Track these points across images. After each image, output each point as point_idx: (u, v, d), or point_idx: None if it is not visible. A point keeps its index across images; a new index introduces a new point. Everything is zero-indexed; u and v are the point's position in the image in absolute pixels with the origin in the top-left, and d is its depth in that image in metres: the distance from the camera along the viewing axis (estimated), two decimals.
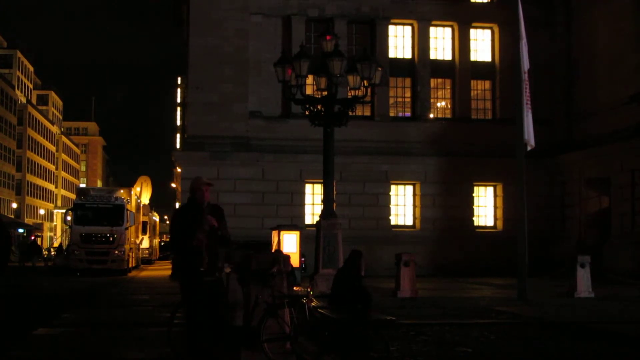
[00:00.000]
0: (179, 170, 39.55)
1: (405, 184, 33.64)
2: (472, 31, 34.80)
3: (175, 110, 66.40)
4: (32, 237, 63.30)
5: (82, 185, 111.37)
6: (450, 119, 34.64)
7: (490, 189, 34.45)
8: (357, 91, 18.93)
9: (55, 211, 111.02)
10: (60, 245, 48.15)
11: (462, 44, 34.42)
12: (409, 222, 33.68)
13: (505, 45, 33.16)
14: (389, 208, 33.21)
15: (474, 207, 34.07)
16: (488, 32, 35.05)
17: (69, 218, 35.52)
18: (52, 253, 50.53)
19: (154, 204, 59.64)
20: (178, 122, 63.39)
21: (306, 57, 18.68)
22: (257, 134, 32.02)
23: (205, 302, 7.88)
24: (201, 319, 7.85)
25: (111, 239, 32.93)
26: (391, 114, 34.16)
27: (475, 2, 35.39)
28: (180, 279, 8.23)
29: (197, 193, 8.09)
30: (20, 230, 75.38)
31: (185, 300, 8.06)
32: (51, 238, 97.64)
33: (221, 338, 8.13)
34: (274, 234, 23.52)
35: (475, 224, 33.97)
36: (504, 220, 33.62)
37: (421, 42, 34.07)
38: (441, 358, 9.95)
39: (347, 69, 18.72)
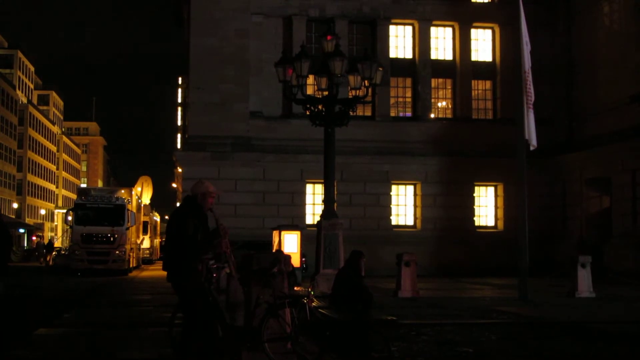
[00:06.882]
0: (179, 170, 39.57)
1: (406, 184, 33.63)
2: (473, 31, 34.81)
3: (176, 110, 66.42)
4: (34, 237, 63.35)
5: (83, 185, 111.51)
6: (451, 119, 34.64)
7: (491, 189, 34.45)
8: (358, 91, 18.92)
9: (56, 211, 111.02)
10: (54, 247, 48.24)
11: (463, 44, 34.42)
12: (410, 222, 33.68)
13: (506, 45, 33.16)
14: (390, 208, 33.21)
15: (475, 207, 34.06)
16: (489, 32, 35.05)
17: (69, 218, 35.48)
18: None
19: (155, 204, 59.58)
20: (179, 122, 63.44)
21: (307, 57, 18.68)
22: (258, 134, 32.03)
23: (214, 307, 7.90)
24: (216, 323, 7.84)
25: (112, 239, 32.91)
26: (392, 114, 34.17)
27: (476, 2, 35.38)
28: (188, 285, 7.72)
29: (206, 200, 7.93)
30: (21, 231, 75.38)
31: (193, 306, 7.72)
32: (52, 238, 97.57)
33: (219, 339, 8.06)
34: (275, 234, 23.51)
35: (476, 224, 33.97)
36: (504, 220, 33.62)
37: (422, 42, 34.07)
38: (442, 358, 9.95)
39: (348, 69, 18.71)
